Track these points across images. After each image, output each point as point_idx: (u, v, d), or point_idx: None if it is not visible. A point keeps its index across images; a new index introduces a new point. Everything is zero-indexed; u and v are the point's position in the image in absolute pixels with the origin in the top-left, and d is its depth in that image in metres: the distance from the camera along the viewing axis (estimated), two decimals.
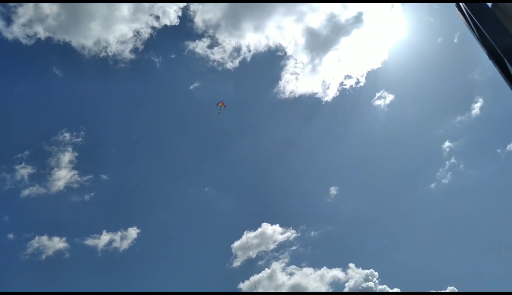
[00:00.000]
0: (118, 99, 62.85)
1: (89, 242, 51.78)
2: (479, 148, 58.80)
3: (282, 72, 63.69)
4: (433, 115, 63.28)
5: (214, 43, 60.80)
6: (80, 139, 55.82)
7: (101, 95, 61.76)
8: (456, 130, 57.75)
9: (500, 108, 55.78)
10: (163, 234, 61.10)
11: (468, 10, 4.56)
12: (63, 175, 54.00)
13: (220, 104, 37.78)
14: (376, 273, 47.07)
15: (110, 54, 54.81)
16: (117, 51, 54.73)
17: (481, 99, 56.08)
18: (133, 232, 53.48)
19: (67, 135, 55.02)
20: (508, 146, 53.14)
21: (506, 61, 3.92)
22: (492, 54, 4.99)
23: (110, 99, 62.37)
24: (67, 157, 54.52)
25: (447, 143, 55.66)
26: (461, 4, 4.86)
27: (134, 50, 56.12)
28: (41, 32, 49.96)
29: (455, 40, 57.33)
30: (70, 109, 60.95)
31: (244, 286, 49.60)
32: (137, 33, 54.42)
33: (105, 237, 52.37)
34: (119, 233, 52.94)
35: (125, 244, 52.80)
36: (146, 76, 61.31)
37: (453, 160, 55.53)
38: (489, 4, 5.26)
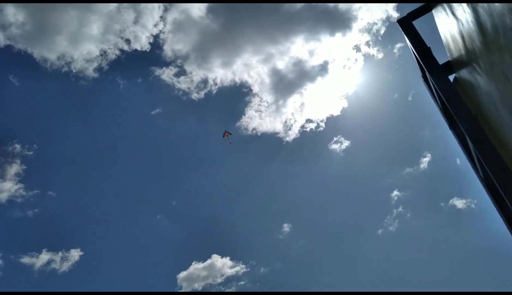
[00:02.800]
0: (77, 117, 60.18)
1: (26, 260, 47.55)
2: (425, 200, 61.75)
3: (246, 108, 64.51)
4: (384, 165, 66.13)
5: (181, 72, 60.75)
6: (31, 153, 52.22)
7: (60, 111, 58.88)
8: (404, 181, 60.49)
9: (446, 165, 59.58)
10: (107, 259, 57.57)
11: (433, 82, 4.87)
12: (7, 188, 49.94)
13: (226, 134, 37.24)
14: None
15: (73, 70, 52.83)
16: (81, 68, 52.86)
17: (429, 155, 59.57)
18: (75, 254, 49.83)
19: (17, 146, 51.33)
20: (450, 201, 56.14)
21: (465, 134, 4.17)
22: (453, 126, 5.34)
23: (69, 116, 59.59)
24: (14, 169, 50.70)
25: (395, 192, 58.08)
26: (427, 75, 5.20)
27: (99, 69, 54.54)
28: (1, 39, 47.46)
29: (410, 98, 61.36)
30: (25, 120, 57.25)
31: None
32: (104, 53, 53.19)
33: (44, 256, 48.35)
34: (60, 254, 49.18)
35: (65, 266, 48.97)
36: (108, 97, 59.61)
37: (400, 209, 57.78)
38: (451, 77, 5.69)
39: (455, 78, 5.57)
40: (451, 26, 4.82)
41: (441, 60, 5.80)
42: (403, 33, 5.78)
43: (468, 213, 53.61)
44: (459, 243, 54.68)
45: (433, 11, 5.40)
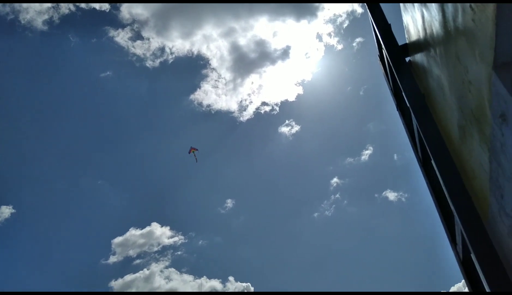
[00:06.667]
0: (20, 72, 55.28)
1: None
2: (361, 189, 65.22)
3: (202, 82, 63.06)
4: (328, 152, 68.74)
5: (138, 37, 57.64)
6: None
7: (2, 60, 53.75)
8: (345, 170, 63.28)
9: (384, 159, 63.31)
10: (41, 219, 54.91)
11: (389, 62, 4.94)
12: None
13: (192, 150, 35.86)
14: (252, 288, 48.42)
15: (22, 21, 48.16)
16: (30, 18, 48.37)
17: (371, 148, 62.72)
18: (6, 211, 46.91)
19: None
20: (383, 193, 59.91)
21: (412, 114, 4.29)
22: (400, 106, 5.51)
23: (11, 69, 54.59)
24: None
25: (335, 179, 60.67)
26: (384, 54, 5.27)
27: (49, 22, 50.27)
28: None
29: (361, 93, 63.75)
30: None
31: (116, 284, 46.73)
32: (57, 5, 48.87)
33: None
34: None
35: None
36: (56, 53, 55.31)
37: (337, 195, 60.64)
38: (407, 59, 5.86)
39: (409, 61, 5.71)
40: (414, 8, 4.88)
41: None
42: (368, 11, 5.79)
43: (398, 206, 57.61)
44: (388, 232, 58.79)
45: None
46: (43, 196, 56.17)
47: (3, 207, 46.86)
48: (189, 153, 36.68)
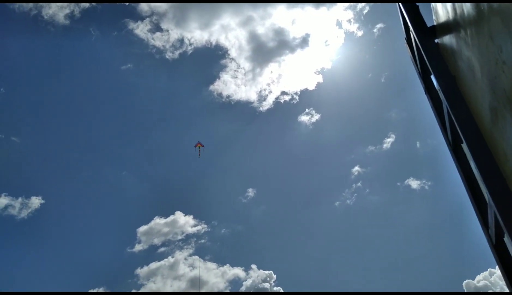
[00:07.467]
0: (46, 65, 56.74)
1: None
2: (383, 178, 64.52)
3: (221, 72, 63.31)
4: (349, 140, 68.20)
5: (157, 29, 58.21)
6: None
7: (28, 55, 55.25)
8: (366, 158, 62.75)
9: (407, 148, 62.37)
10: (69, 208, 57.11)
11: (418, 43, 4.86)
12: None
13: (198, 145, 36.20)
14: (275, 276, 48.96)
15: (44, 16, 49.21)
16: (52, 13, 49.40)
17: (393, 136, 61.77)
18: (36, 202, 48.80)
19: None
20: (406, 181, 59.13)
21: (442, 97, 4.23)
22: (428, 90, 5.41)
23: (36, 61, 56.11)
24: None
25: (356, 168, 60.18)
26: (412, 37, 5.18)
27: (71, 16, 51.18)
28: None
29: (382, 80, 62.68)
30: None
31: (141, 272, 48.12)
32: None
33: (3, 201, 47.10)
34: (19, 199, 47.89)
35: (24, 213, 48.00)
36: (78, 46, 56.55)
37: (359, 184, 60.15)
38: (436, 40, 5.73)
39: (437, 44, 5.59)
40: None
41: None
42: None
43: (421, 193, 56.74)
44: (411, 220, 58.14)
45: None
46: (70, 187, 58.19)
47: (33, 198, 48.69)
48: (195, 147, 37.01)
